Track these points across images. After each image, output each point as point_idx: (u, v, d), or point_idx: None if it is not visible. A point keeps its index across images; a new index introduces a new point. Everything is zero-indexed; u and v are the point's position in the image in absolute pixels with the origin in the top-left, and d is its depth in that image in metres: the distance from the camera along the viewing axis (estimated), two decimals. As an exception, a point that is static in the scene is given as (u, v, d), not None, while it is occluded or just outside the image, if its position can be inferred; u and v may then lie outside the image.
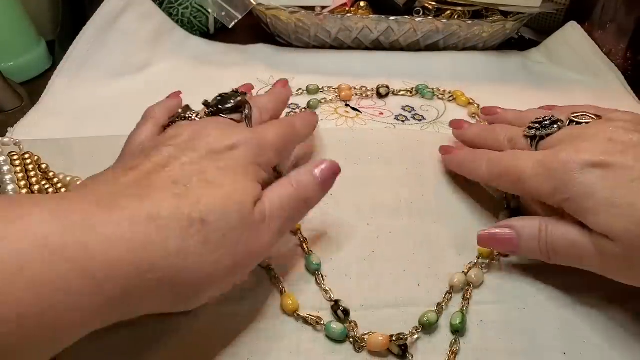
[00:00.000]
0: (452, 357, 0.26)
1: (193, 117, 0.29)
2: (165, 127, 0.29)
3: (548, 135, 0.29)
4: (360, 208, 0.34)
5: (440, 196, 0.35)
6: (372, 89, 0.46)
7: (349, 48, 0.53)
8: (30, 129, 0.40)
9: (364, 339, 0.27)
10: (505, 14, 0.52)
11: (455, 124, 0.38)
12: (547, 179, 0.27)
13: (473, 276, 0.30)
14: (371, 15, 0.51)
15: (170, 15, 0.54)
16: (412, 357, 0.26)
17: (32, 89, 0.46)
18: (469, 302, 0.29)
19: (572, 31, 0.54)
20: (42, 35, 0.50)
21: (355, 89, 0.46)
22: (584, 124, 0.29)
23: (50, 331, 0.18)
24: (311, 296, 0.29)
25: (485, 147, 0.33)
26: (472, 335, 0.28)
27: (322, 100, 0.45)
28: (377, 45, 0.52)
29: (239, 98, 0.29)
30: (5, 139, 0.34)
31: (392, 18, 0.49)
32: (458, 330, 0.27)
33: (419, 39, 0.51)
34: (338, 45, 0.53)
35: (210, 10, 0.54)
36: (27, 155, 0.32)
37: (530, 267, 0.30)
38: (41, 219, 0.19)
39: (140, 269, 0.20)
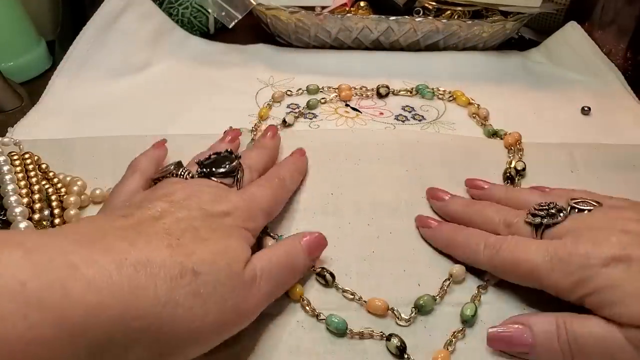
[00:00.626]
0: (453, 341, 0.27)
1: (185, 175, 0.29)
2: (154, 180, 0.30)
3: (554, 224, 0.28)
4: (361, 208, 0.34)
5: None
6: (372, 89, 0.46)
7: (349, 48, 0.53)
8: (30, 129, 0.40)
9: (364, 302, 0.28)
10: (505, 14, 0.52)
11: (432, 194, 0.35)
12: (566, 274, 0.25)
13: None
14: (371, 15, 0.51)
15: (170, 15, 0.54)
16: (411, 357, 0.26)
17: (32, 89, 0.46)
18: (480, 297, 0.29)
19: (572, 31, 0.54)
20: (42, 35, 0.50)
21: (355, 89, 0.46)
22: (586, 211, 0.28)
23: None
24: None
25: (473, 226, 0.31)
26: (473, 335, 0.28)
27: (322, 100, 0.45)
28: (377, 45, 0.52)
29: (232, 163, 0.30)
30: (5, 139, 0.34)
31: (392, 18, 0.49)
32: (467, 321, 0.28)
33: (419, 39, 0.51)
34: (338, 45, 0.53)
35: (210, 10, 0.54)
36: (27, 155, 0.32)
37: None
38: (16, 261, 0.17)
39: (125, 315, 0.19)
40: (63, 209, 0.32)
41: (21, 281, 0.17)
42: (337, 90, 0.46)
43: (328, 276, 0.29)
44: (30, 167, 0.31)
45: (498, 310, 0.29)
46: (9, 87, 0.44)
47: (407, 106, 0.45)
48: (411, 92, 0.46)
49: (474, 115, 0.44)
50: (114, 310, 0.19)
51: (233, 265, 0.24)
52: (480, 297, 0.29)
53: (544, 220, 0.28)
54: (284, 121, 0.42)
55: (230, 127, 0.39)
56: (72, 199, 0.32)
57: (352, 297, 0.29)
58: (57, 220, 0.31)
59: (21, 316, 0.17)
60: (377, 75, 0.48)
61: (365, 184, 0.36)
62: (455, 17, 0.52)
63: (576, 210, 0.28)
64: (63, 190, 0.33)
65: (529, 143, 0.40)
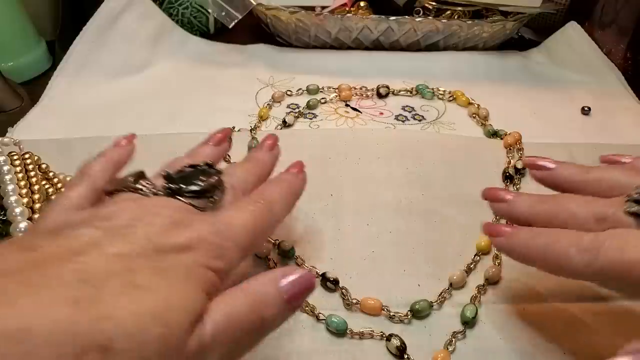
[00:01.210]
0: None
1: (144, 191, 0.21)
2: (107, 192, 0.23)
3: None
4: (360, 208, 0.34)
5: (440, 196, 0.35)
6: (372, 89, 0.46)
7: (349, 48, 0.53)
8: (30, 129, 0.40)
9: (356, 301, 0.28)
10: (505, 14, 0.52)
11: (491, 195, 0.27)
12: None
13: (491, 273, 0.30)
14: (371, 16, 0.51)
15: (170, 15, 0.54)
16: (411, 357, 0.26)
17: (32, 89, 0.46)
18: (480, 298, 0.29)
19: (572, 31, 0.54)
20: (42, 35, 0.50)
21: (355, 89, 0.46)
22: None
23: None
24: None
25: (551, 226, 0.24)
26: (473, 335, 0.28)
27: (322, 100, 0.45)
28: (377, 45, 0.52)
29: (210, 180, 0.22)
30: (5, 139, 0.34)
31: (392, 18, 0.49)
32: (467, 322, 0.28)
33: (419, 39, 0.51)
34: (338, 45, 0.53)
35: (210, 10, 0.54)
36: (27, 155, 0.32)
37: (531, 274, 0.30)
38: None
39: None
40: (63, 209, 0.32)
41: None
42: (337, 90, 0.46)
43: (330, 284, 0.29)
44: (30, 167, 0.32)
45: (498, 311, 0.29)
46: (9, 87, 0.44)
47: (407, 106, 0.45)
48: (411, 92, 0.46)
49: (474, 115, 0.44)
50: None
51: (172, 332, 0.16)
52: (480, 297, 0.29)
53: None
54: (284, 121, 0.42)
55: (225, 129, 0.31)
56: (72, 199, 0.32)
57: (344, 297, 0.29)
58: (57, 220, 0.31)
59: None
60: (377, 75, 0.48)
61: (365, 184, 0.36)
62: (455, 17, 0.52)
63: None
64: (63, 190, 0.33)
65: (529, 143, 0.40)
